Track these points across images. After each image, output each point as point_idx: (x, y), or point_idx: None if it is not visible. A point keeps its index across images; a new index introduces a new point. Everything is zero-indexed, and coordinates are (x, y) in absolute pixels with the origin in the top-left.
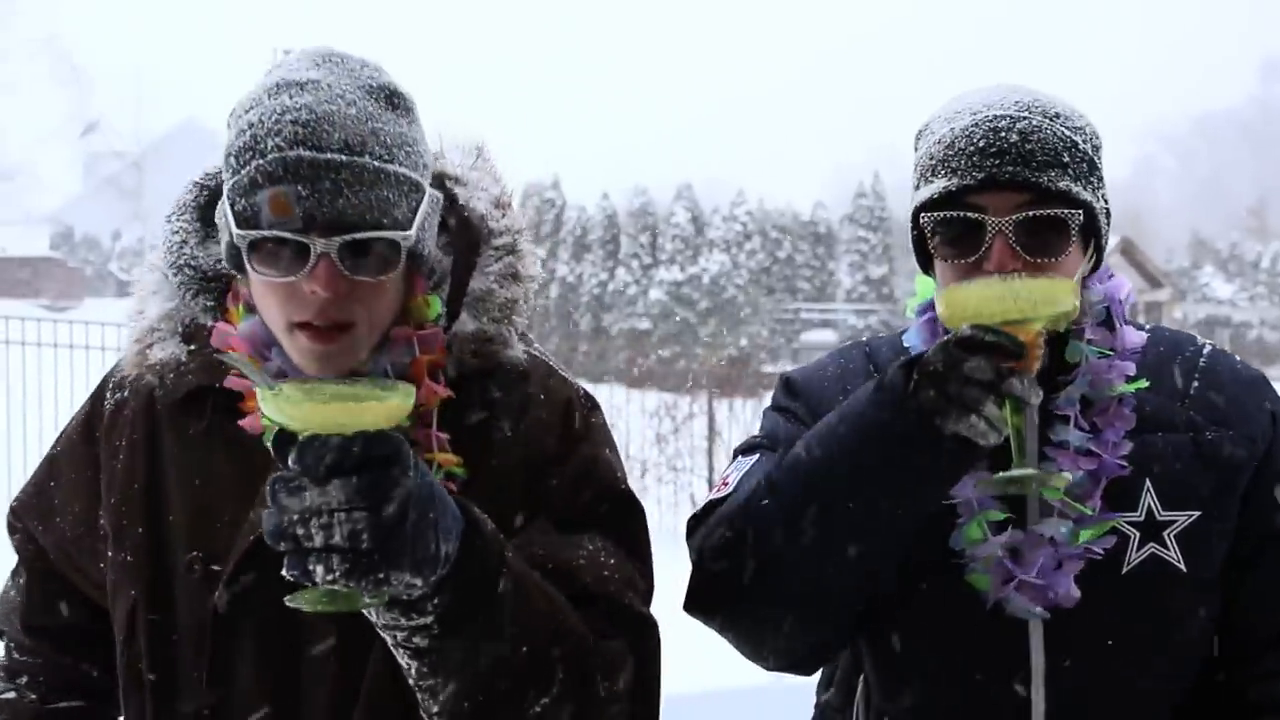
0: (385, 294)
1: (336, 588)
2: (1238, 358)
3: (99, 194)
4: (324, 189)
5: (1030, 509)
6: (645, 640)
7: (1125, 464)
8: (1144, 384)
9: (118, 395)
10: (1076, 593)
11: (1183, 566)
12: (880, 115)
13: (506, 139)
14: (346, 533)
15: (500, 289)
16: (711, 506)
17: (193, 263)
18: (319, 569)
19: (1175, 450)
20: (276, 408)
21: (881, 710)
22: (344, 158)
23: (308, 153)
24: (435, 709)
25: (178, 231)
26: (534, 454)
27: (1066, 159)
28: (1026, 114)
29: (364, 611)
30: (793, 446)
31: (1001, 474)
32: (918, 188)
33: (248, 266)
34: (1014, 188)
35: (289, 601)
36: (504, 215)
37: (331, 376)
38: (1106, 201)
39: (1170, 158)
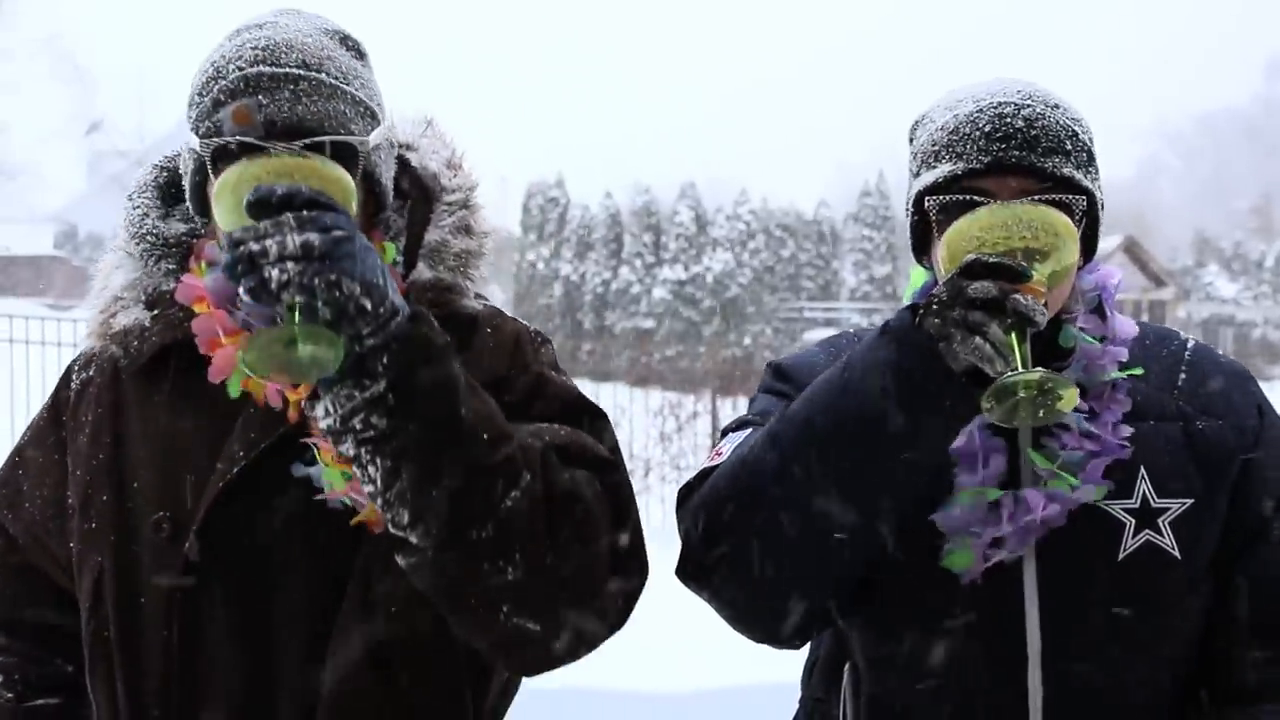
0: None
1: (295, 312)
2: (1220, 351)
3: (103, 193)
4: (283, 98)
5: (1024, 475)
6: (613, 471)
7: (1126, 444)
8: (1139, 371)
9: (83, 375)
10: (1062, 519)
11: (1177, 553)
12: (884, 114)
13: (510, 137)
14: (299, 241)
15: (454, 240)
16: (704, 475)
17: (154, 231)
18: (273, 272)
19: (1167, 439)
20: (239, 172)
21: (874, 697)
22: (302, 72)
23: (267, 68)
24: (406, 517)
25: (139, 207)
26: (485, 379)
27: (1069, 146)
28: (1030, 102)
29: (322, 415)
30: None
31: (1012, 376)
32: (918, 174)
33: (211, 178)
34: (1019, 173)
35: (241, 359)
36: (455, 174)
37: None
38: (1102, 193)
39: (1174, 156)
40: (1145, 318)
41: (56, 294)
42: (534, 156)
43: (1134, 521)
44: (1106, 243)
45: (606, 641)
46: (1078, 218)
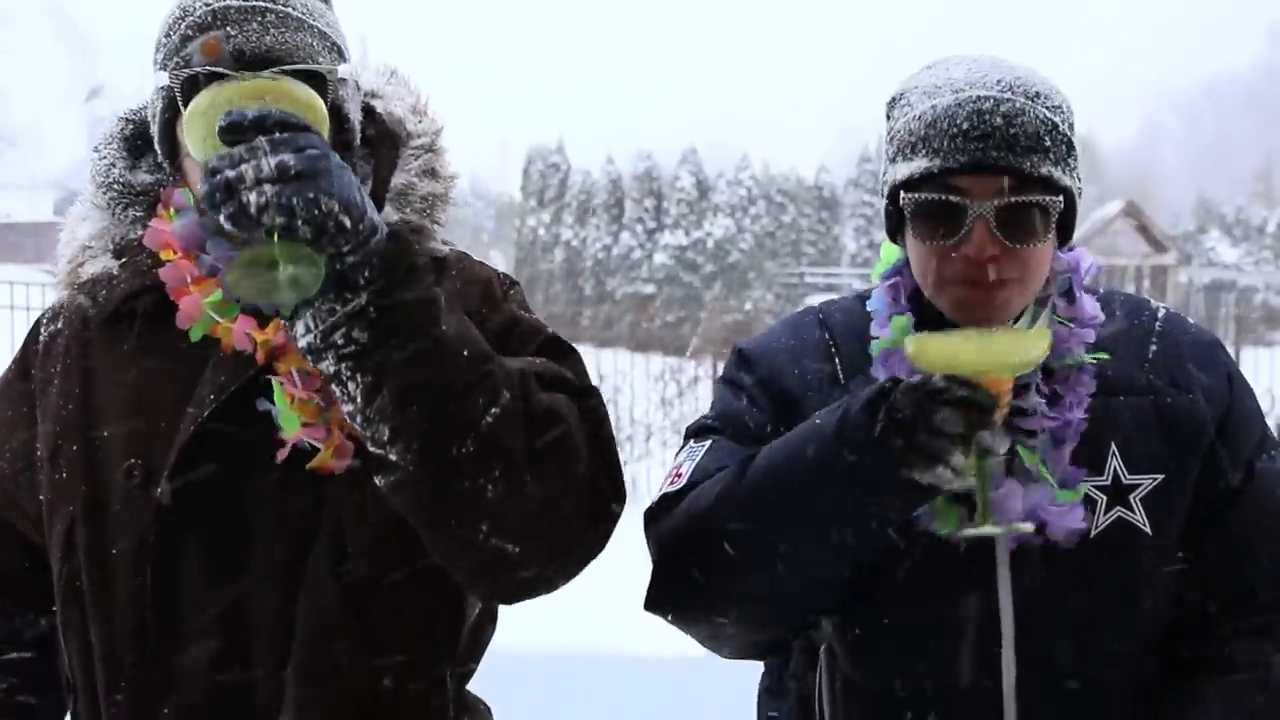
0: None
1: (274, 232)
2: (1191, 320)
3: None
4: (251, 29)
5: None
6: (589, 396)
7: (1085, 419)
8: (1105, 356)
9: (51, 328)
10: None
11: (1148, 529)
12: (884, 79)
13: (511, 102)
14: (274, 163)
15: (420, 183)
16: (666, 501)
17: (121, 180)
18: (251, 197)
19: (1137, 413)
20: (210, 97)
21: (849, 679)
22: (268, 4)
23: (234, 1)
24: (386, 433)
25: (105, 158)
26: None
27: (1048, 143)
28: (1010, 95)
29: (303, 333)
30: (744, 432)
31: (970, 530)
32: (894, 161)
33: (182, 111)
34: (997, 172)
35: (227, 278)
36: (420, 120)
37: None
38: (1080, 181)
39: (1176, 121)
40: (1146, 283)
41: (56, 260)
42: (535, 122)
43: (1105, 499)
44: (1108, 208)
45: (588, 566)
46: (1053, 218)
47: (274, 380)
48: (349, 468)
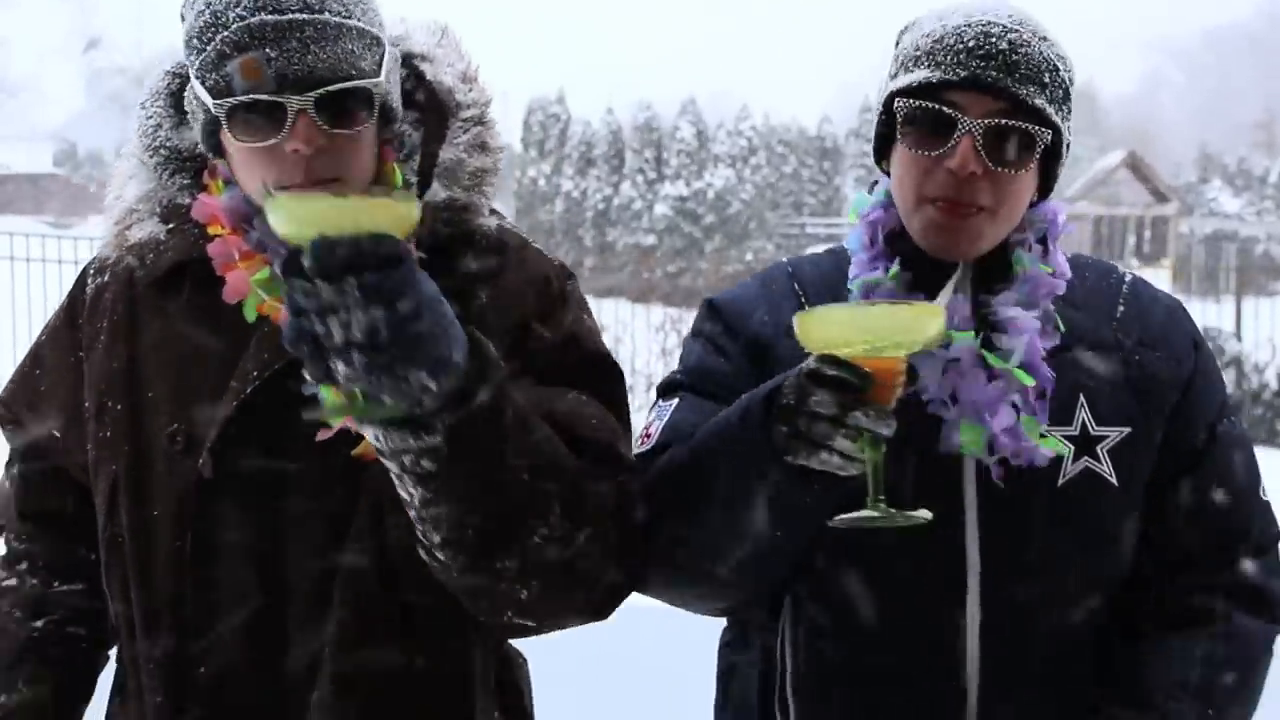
0: (362, 148)
1: (356, 391)
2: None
3: (102, 110)
4: (291, 48)
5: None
6: (631, 485)
7: (1051, 374)
8: (1061, 325)
9: (98, 280)
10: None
11: (1114, 480)
12: (886, 30)
13: (511, 52)
14: (365, 327)
15: (469, 159)
16: (639, 462)
17: (168, 144)
18: (339, 366)
19: (1106, 368)
20: (287, 212)
21: (816, 627)
22: (305, 16)
23: (270, 16)
24: (437, 539)
25: (152, 117)
26: (513, 321)
27: (1047, 79)
28: (1019, 28)
29: (372, 439)
30: (713, 385)
31: (846, 515)
32: (894, 76)
33: (227, 137)
34: (993, 93)
35: (306, 414)
36: (470, 89)
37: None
38: (1071, 134)
39: (1178, 71)
40: (1147, 234)
41: (56, 212)
42: (535, 72)
43: (1073, 448)
44: (1109, 158)
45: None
46: (1038, 151)
47: None
48: None
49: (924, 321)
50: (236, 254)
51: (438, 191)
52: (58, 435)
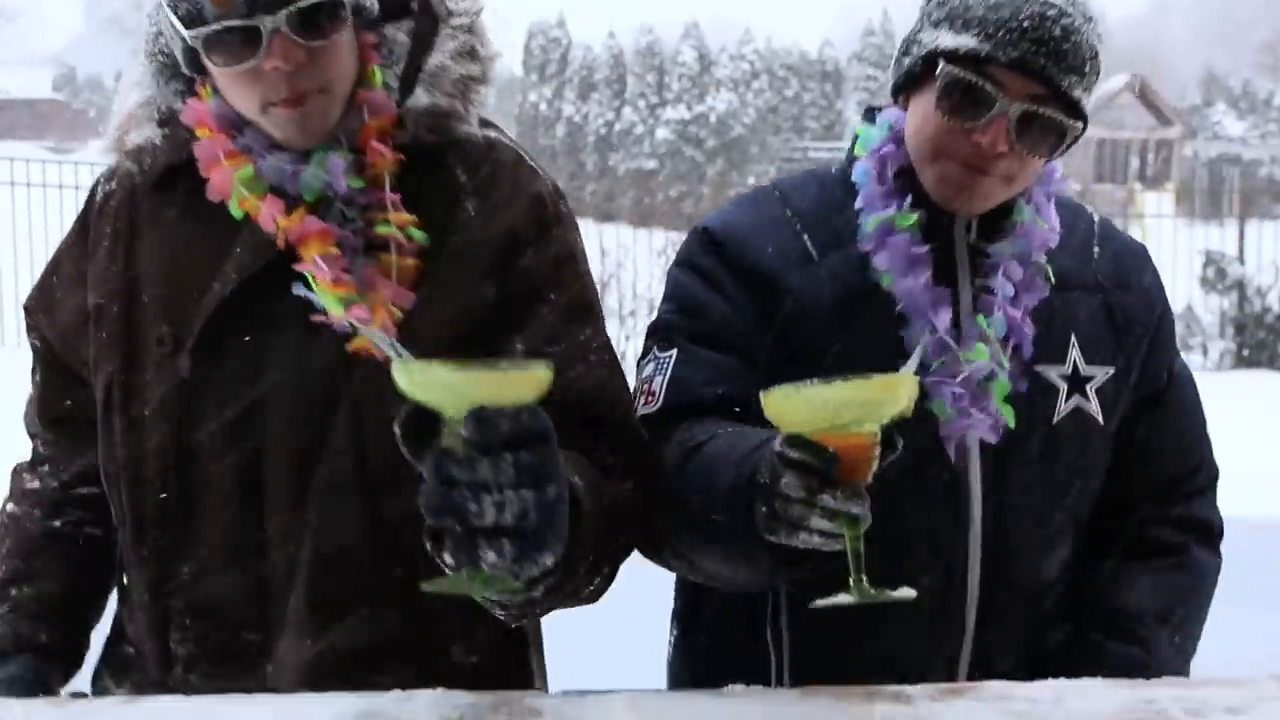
0: (341, 52)
1: (491, 574)
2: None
3: (101, 34)
4: None
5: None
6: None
7: (1032, 327)
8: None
9: (107, 187)
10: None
11: (1100, 418)
12: None
13: None
14: (517, 510)
15: (455, 65)
16: (646, 425)
17: (165, 50)
18: (489, 554)
19: (1090, 309)
20: (426, 380)
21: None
22: None
23: None
24: (501, 613)
25: (154, 25)
26: (503, 235)
27: (1088, 69)
28: (1072, 11)
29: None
30: (711, 326)
31: (824, 601)
32: (939, 26)
33: (206, 64)
34: (1038, 79)
35: (425, 587)
36: None
37: (456, 360)
38: (1087, 115)
39: None
40: (1151, 157)
41: (56, 137)
42: None
43: (1066, 386)
44: (1113, 81)
45: None
46: (1065, 142)
47: (306, 271)
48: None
49: (893, 394)
50: (221, 154)
51: (420, 97)
52: (70, 339)
